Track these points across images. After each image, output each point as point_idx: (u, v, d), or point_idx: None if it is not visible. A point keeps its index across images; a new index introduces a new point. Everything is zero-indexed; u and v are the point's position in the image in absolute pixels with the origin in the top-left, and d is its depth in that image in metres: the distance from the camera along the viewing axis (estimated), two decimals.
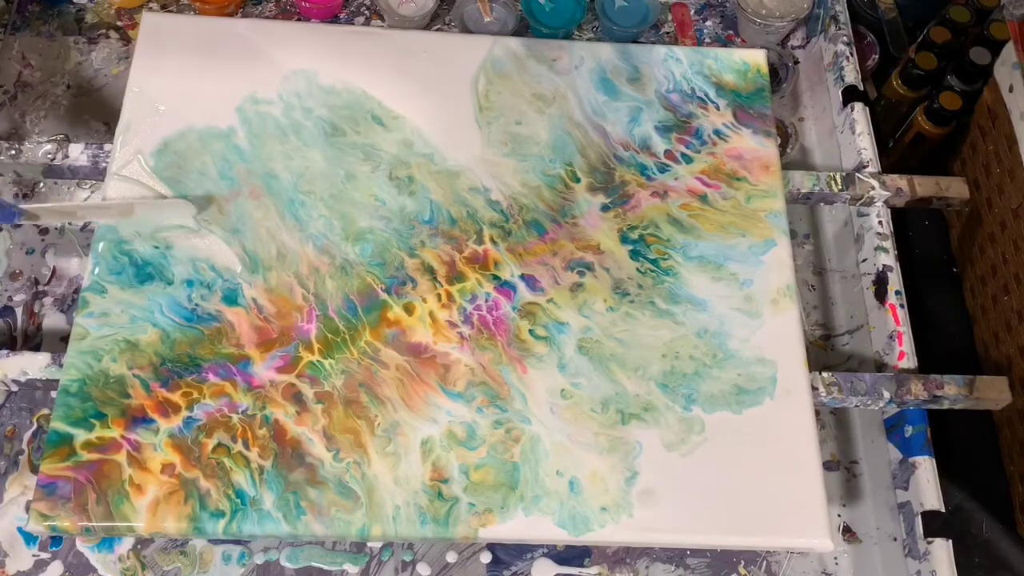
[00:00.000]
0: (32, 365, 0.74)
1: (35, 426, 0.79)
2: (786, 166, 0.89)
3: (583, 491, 0.70)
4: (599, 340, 0.76)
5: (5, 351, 0.74)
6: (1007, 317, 0.84)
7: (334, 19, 0.99)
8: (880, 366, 0.82)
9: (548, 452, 0.71)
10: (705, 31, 1.03)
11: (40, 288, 0.84)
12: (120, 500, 0.67)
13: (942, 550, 0.72)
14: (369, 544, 0.77)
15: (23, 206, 0.73)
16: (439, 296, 0.76)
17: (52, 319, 0.83)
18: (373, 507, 0.68)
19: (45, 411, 0.80)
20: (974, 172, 0.90)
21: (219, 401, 0.71)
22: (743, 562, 0.79)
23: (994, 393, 0.78)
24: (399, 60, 0.87)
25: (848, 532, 0.81)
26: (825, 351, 0.89)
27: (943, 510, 0.74)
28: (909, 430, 0.77)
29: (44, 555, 0.75)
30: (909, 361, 0.79)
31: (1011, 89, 0.83)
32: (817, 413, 0.80)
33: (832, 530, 0.74)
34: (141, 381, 0.71)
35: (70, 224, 0.87)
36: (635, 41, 0.96)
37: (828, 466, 0.83)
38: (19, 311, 0.83)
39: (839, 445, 0.85)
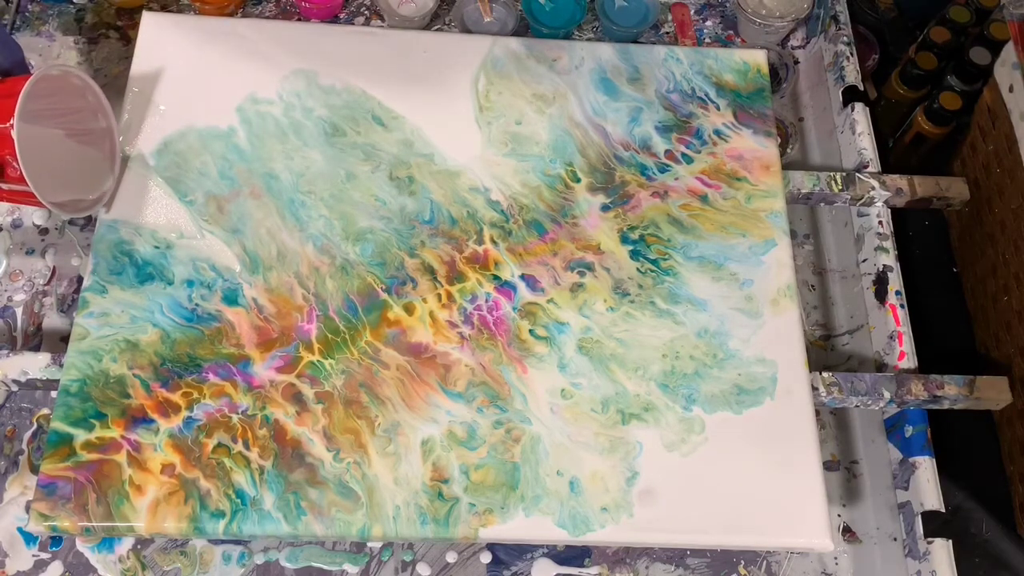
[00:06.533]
0: (32, 365, 0.74)
1: (35, 426, 0.79)
2: (786, 166, 0.89)
3: (583, 491, 0.70)
4: (599, 340, 0.76)
5: (5, 351, 0.74)
6: (1007, 317, 0.83)
7: (334, 19, 0.99)
8: (880, 366, 0.82)
9: (548, 452, 0.71)
10: (705, 31, 1.03)
11: (40, 288, 0.84)
12: (120, 500, 0.67)
13: (942, 550, 0.72)
14: (369, 544, 0.77)
15: None
16: (439, 296, 0.76)
17: (52, 319, 0.83)
18: (373, 507, 0.68)
19: (45, 411, 0.80)
20: (974, 172, 0.90)
21: (219, 401, 0.71)
22: (743, 562, 0.79)
23: (994, 393, 0.78)
24: (399, 60, 0.87)
25: (848, 532, 0.81)
26: (825, 351, 0.89)
27: (943, 510, 0.74)
28: (909, 430, 0.77)
29: (44, 555, 0.75)
30: (909, 361, 0.80)
31: (1011, 89, 0.83)
32: (817, 413, 0.80)
33: (832, 530, 0.74)
34: (141, 381, 0.71)
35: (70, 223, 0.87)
36: (635, 41, 0.96)
37: (828, 466, 0.83)
38: (19, 311, 0.83)
39: (839, 445, 0.85)
